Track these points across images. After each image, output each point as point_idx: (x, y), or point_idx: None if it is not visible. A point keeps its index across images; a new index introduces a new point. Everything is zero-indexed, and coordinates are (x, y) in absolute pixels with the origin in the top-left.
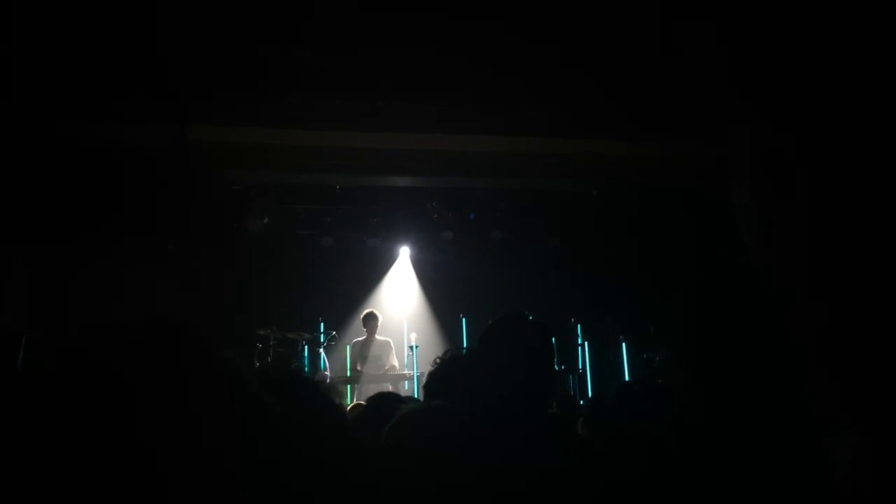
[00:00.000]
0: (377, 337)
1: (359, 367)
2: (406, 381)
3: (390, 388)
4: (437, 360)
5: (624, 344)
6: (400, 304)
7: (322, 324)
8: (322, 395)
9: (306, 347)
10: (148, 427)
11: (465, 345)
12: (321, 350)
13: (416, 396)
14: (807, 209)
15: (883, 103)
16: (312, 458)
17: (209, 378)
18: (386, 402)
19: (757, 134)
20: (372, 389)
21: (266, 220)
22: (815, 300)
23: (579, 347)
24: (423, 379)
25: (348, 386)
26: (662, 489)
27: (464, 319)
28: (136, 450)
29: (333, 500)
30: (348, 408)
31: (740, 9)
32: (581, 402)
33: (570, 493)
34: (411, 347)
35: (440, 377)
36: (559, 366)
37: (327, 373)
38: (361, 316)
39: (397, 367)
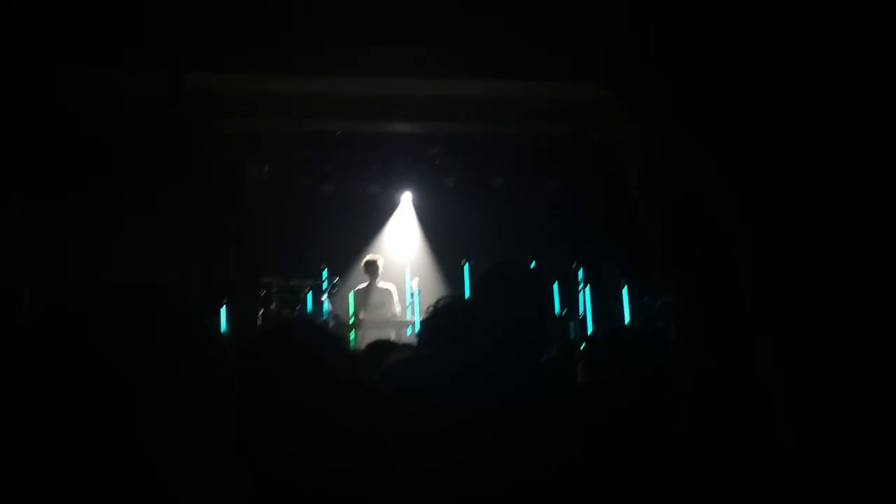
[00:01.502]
0: (379, 284)
1: (361, 315)
2: (410, 327)
3: (393, 334)
4: (431, 308)
5: (625, 288)
6: (402, 250)
7: (326, 271)
8: (325, 341)
9: (310, 295)
10: (128, 392)
11: (466, 290)
12: (324, 297)
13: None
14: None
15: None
16: (303, 407)
17: (188, 342)
18: (377, 351)
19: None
20: (374, 336)
21: (266, 169)
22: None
23: (580, 292)
24: None
25: (352, 333)
26: (654, 431)
27: (466, 265)
28: (116, 418)
29: (332, 452)
30: None
31: None
32: (582, 347)
33: (560, 437)
34: (413, 294)
35: (433, 325)
36: (560, 310)
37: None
38: (362, 263)
39: (399, 313)
